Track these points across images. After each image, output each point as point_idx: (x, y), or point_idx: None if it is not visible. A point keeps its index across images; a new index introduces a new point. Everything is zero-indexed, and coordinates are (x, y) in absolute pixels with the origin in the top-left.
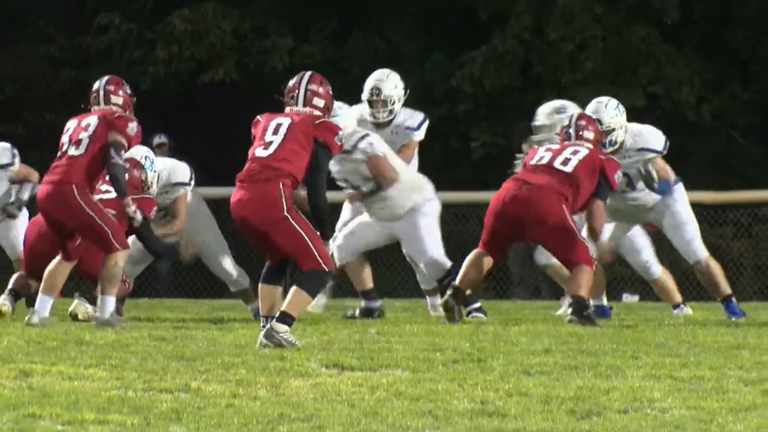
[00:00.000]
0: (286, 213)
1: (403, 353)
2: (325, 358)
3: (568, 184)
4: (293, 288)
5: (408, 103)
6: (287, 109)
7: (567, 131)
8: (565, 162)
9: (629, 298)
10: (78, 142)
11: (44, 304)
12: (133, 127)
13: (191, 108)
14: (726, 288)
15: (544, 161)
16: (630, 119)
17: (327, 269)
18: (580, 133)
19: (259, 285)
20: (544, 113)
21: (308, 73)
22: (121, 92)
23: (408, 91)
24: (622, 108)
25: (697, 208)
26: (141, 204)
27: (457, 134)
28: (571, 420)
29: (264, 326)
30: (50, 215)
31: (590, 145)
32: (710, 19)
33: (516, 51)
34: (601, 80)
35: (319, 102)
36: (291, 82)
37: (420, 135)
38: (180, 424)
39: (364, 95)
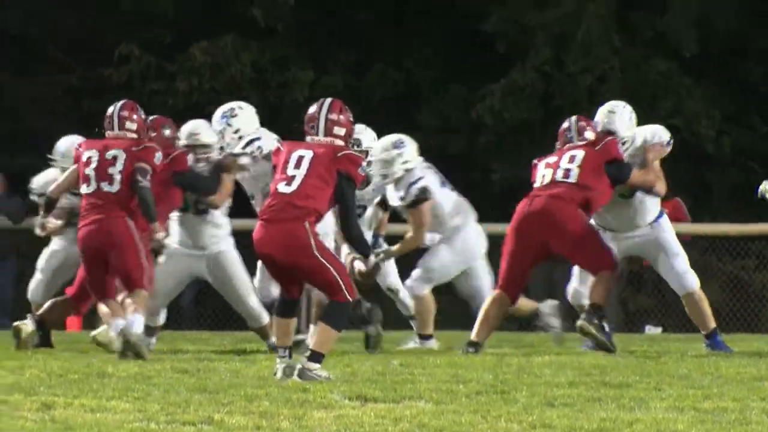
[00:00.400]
0: (314, 252)
1: (427, 385)
2: (348, 390)
3: (579, 192)
4: (319, 325)
5: (429, 135)
6: (308, 139)
7: (567, 135)
8: (567, 174)
9: (652, 330)
10: (110, 178)
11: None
12: (158, 156)
13: None
14: (712, 321)
15: (548, 179)
16: None
17: (351, 299)
18: (582, 134)
19: (275, 319)
20: (380, 148)
21: (328, 101)
22: (135, 117)
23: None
24: (633, 114)
25: (721, 240)
26: (179, 157)
27: (477, 167)
28: None
29: (282, 356)
30: (97, 252)
31: (587, 140)
32: (728, 52)
33: (536, 83)
34: None
35: (340, 131)
36: (311, 111)
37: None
38: None
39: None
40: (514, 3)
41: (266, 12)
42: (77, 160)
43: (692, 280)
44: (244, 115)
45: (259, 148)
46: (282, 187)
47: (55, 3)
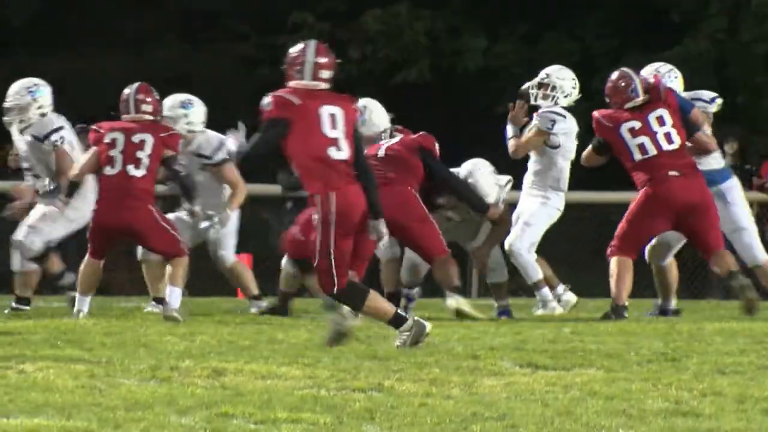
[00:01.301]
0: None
1: (597, 353)
2: (518, 358)
3: (688, 155)
4: None
5: (603, 104)
6: (293, 84)
7: (633, 90)
8: (669, 139)
9: None
10: (137, 162)
11: (81, 303)
12: (182, 143)
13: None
14: None
15: (668, 147)
16: None
17: None
18: (662, 88)
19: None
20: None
21: (313, 44)
22: (149, 99)
23: (580, 94)
24: (677, 75)
25: None
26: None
27: None
28: (765, 420)
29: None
30: (113, 232)
31: (664, 96)
32: None
33: (709, 52)
34: None
35: (326, 74)
36: (294, 53)
37: (539, 123)
38: (373, 423)
39: (536, 79)
40: None
41: None
42: (97, 141)
43: (760, 254)
44: (47, 92)
45: (61, 137)
46: (335, 153)
47: None
